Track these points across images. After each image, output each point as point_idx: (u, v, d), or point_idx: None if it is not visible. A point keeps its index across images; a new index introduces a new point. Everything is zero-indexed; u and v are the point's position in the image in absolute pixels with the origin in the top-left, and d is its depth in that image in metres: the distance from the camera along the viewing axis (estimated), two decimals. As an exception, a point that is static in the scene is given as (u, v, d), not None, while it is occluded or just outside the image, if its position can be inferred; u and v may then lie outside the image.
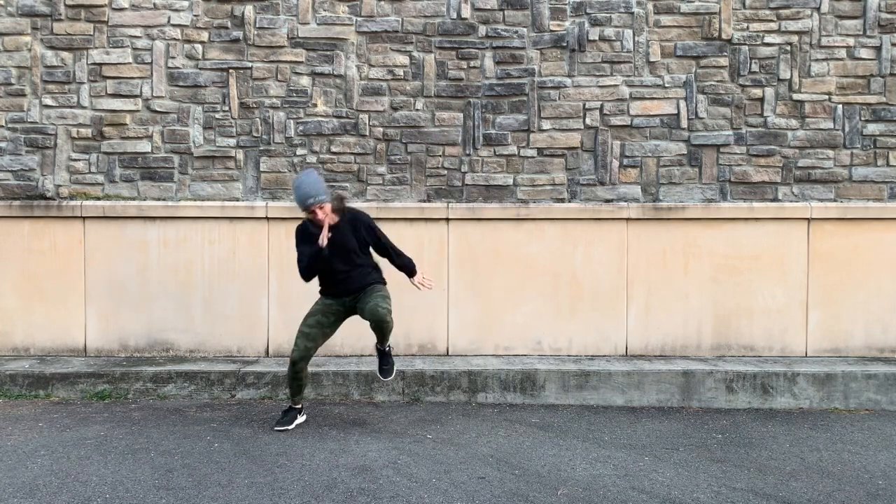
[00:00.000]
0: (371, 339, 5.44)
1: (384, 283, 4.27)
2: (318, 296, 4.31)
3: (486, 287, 5.53)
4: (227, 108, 5.62)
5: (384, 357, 4.31)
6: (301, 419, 4.30)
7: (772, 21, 5.63)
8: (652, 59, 5.64)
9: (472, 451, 3.87)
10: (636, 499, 3.21)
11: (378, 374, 4.33)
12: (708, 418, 4.66)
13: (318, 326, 4.20)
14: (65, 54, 5.58)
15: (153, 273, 5.51)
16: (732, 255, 5.56)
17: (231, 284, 5.52)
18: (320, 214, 4.03)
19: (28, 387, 4.94)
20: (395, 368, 4.35)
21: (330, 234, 4.03)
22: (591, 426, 4.41)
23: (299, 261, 4.17)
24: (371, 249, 4.26)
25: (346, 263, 4.13)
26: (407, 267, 4.31)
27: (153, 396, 4.96)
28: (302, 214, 4.19)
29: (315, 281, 4.24)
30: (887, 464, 3.75)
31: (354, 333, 5.53)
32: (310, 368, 5.01)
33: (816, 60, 5.64)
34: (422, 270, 4.35)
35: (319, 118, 5.64)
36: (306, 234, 4.17)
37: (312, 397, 4.96)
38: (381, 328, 4.11)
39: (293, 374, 4.19)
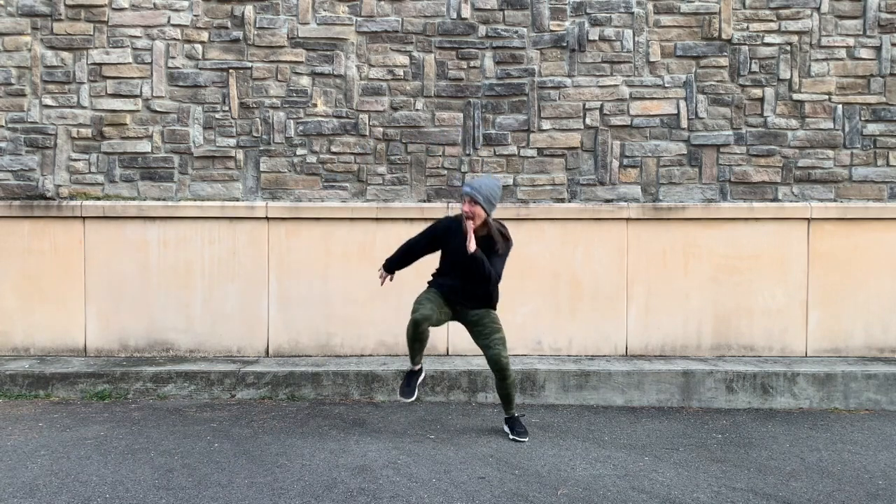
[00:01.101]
0: (370, 338, 5.44)
1: (496, 308, 4.16)
2: (427, 286, 4.18)
3: (486, 287, 5.53)
4: (227, 108, 5.62)
5: (514, 422, 4.14)
6: (422, 377, 4.25)
7: (772, 21, 5.63)
8: (652, 59, 5.64)
9: (472, 451, 3.87)
10: (636, 499, 3.21)
11: (511, 436, 4.11)
12: (708, 418, 4.66)
13: (436, 300, 4.03)
14: (65, 54, 5.58)
15: (153, 273, 5.51)
16: (732, 255, 5.56)
17: (231, 284, 5.52)
18: (466, 207, 3.91)
19: (28, 387, 4.94)
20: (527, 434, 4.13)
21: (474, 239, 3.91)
22: (591, 426, 4.41)
23: (403, 245, 4.20)
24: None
25: (467, 275, 4.00)
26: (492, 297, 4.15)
27: (153, 396, 4.96)
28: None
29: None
30: (887, 464, 3.75)
31: (354, 334, 5.54)
32: (309, 369, 5.03)
33: (816, 60, 5.64)
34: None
35: (319, 118, 5.64)
36: (438, 232, 4.09)
37: (312, 397, 4.96)
38: (504, 379, 4.03)
39: (415, 334, 3.98)
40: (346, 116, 5.64)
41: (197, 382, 4.99)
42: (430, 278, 4.23)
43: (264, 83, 5.62)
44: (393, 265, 4.30)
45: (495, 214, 4.10)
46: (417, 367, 4.24)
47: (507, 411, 4.18)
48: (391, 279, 4.39)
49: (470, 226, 3.92)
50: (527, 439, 4.06)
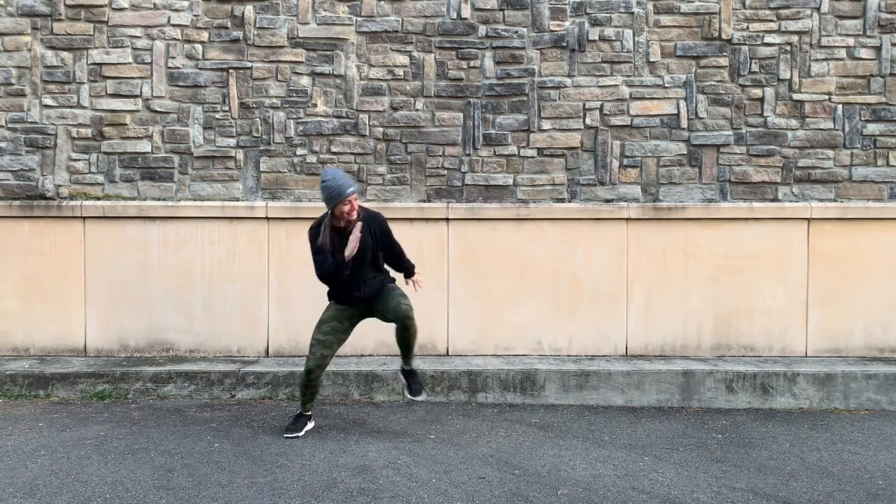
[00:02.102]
0: (370, 337, 5.44)
1: (394, 282, 4.22)
2: (328, 300, 4.22)
3: (485, 287, 5.53)
4: (227, 108, 5.62)
5: (412, 376, 4.25)
6: (311, 425, 4.20)
7: (772, 21, 5.63)
8: (652, 59, 5.64)
9: (472, 451, 3.87)
10: (636, 499, 3.21)
11: (409, 396, 4.24)
12: (708, 418, 4.66)
13: (333, 333, 4.11)
14: (65, 54, 5.58)
15: (153, 273, 5.51)
16: (732, 255, 5.56)
17: (231, 284, 5.52)
18: (353, 206, 3.93)
19: (28, 387, 4.94)
20: (424, 388, 4.28)
21: (361, 235, 3.92)
22: (591, 426, 4.41)
23: (318, 266, 4.02)
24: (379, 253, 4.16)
25: (361, 266, 4.02)
26: (409, 270, 4.31)
27: (153, 396, 4.96)
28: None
29: (319, 284, 4.19)
30: (887, 464, 3.75)
31: (354, 333, 5.52)
32: (310, 368, 5.03)
33: (816, 60, 5.64)
34: (419, 272, 4.35)
35: (319, 118, 5.64)
36: (318, 237, 4.06)
37: (312, 397, 4.96)
38: (406, 328, 4.03)
39: (307, 382, 4.09)
40: (346, 116, 5.64)
41: (197, 382, 4.99)
42: (328, 294, 4.22)
43: (264, 83, 5.62)
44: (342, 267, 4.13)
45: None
46: (308, 413, 4.20)
47: (406, 363, 4.23)
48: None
49: (358, 227, 3.92)
50: (421, 397, 4.21)
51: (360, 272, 4.04)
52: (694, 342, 5.57)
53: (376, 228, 4.08)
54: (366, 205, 5.52)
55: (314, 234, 4.06)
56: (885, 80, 5.63)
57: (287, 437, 4.05)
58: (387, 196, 5.64)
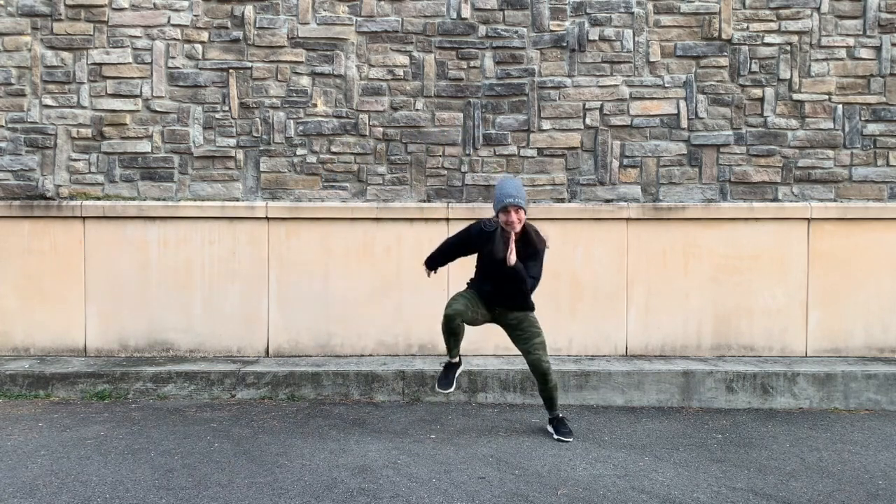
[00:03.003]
0: (370, 337, 5.44)
1: (534, 310, 4.15)
2: (466, 287, 4.18)
3: (486, 287, 5.53)
4: (227, 108, 5.62)
5: (560, 423, 4.17)
6: (460, 369, 4.32)
7: (772, 21, 5.63)
8: (652, 59, 5.64)
9: (472, 451, 3.87)
10: (636, 499, 3.21)
11: (556, 436, 4.12)
12: (708, 418, 4.66)
13: (472, 303, 4.02)
14: (65, 54, 5.58)
15: (153, 273, 5.51)
16: (732, 255, 5.56)
17: (231, 284, 5.52)
18: (514, 217, 3.87)
19: (28, 387, 4.94)
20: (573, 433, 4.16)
21: (513, 247, 3.89)
22: (591, 426, 4.41)
23: (440, 246, 4.20)
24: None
25: (507, 280, 3.97)
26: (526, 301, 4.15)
27: (153, 396, 4.96)
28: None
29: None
30: (887, 464, 3.75)
31: (354, 334, 5.54)
32: (309, 369, 5.03)
33: (816, 60, 5.64)
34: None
35: (319, 118, 5.64)
36: (471, 240, 4.06)
37: (312, 397, 4.96)
38: (546, 383, 4.07)
39: (449, 328, 4.01)
40: (346, 116, 5.64)
41: (197, 382, 4.99)
42: (468, 283, 4.22)
43: (264, 83, 5.62)
44: (433, 263, 4.28)
45: None
46: (455, 360, 4.26)
47: (551, 412, 4.21)
48: (435, 272, 4.38)
49: (513, 237, 3.90)
50: (572, 439, 4.09)
51: (496, 277, 4.00)
52: (694, 342, 5.57)
53: (531, 249, 3.99)
54: (365, 205, 5.55)
55: (470, 229, 4.10)
56: (885, 80, 5.63)
57: (441, 391, 4.25)
58: (387, 196, 5.64)
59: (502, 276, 3.98)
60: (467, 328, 4.14)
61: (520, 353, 4.21)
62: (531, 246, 3.99)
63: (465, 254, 4.21)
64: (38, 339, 5.52)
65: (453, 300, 4.03)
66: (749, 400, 4.95)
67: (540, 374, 4.09)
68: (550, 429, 4.20)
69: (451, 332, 4.07)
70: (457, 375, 4.31)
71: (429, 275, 4.38)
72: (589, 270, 5.57)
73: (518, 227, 3.92)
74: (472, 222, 4.18)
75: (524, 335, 4.11)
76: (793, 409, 4.92)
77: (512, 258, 3.88)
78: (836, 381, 4.96)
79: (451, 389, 4.27)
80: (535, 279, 4.05)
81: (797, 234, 5.57)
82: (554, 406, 4.20)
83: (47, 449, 3.82)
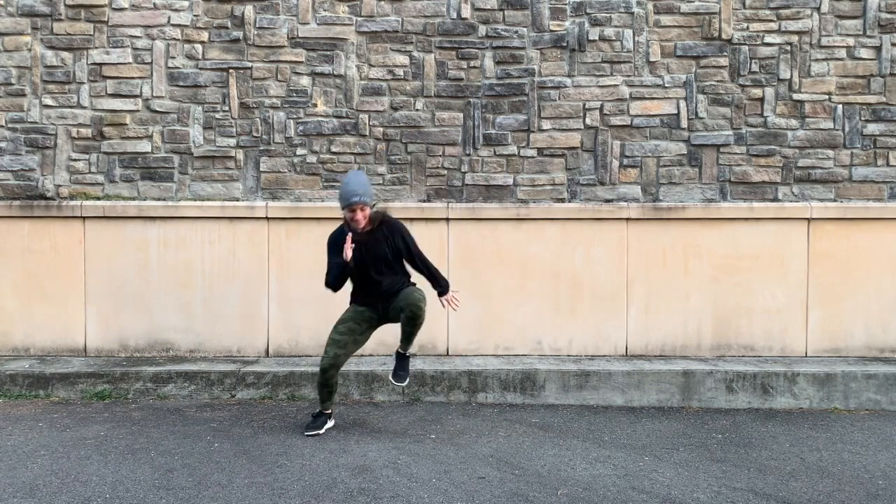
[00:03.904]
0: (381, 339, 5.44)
1: (416, 286, 4.21)
2: (348, 304, 4.28)
3: (486, 287, 5.53)
4: (227, 108, 5.62)
5: (402, 361, 4.26)
6: (330, 423, 4.23)
7: (772, 21, 5.63)
8: (652, 59, 5.64)
9: (472, 451, 3.87)
10: (636, 499, 3.21)
11: (391, 379, 4.25)
12: (708, 418, 4.66)
13: (350, 333, 4.14)
14: (65, 54, 5.58)
15: (153, 273, 5.51)
16: (732, 254, 5.56)
17: (231, 284, 5.52)
18: (360, 216, 3.98)
19: (28, 387, 4.94)
20: (409, 377, 4.34)
21: (353, 246, 3.98)
22: (591, 426, 4.41)
23: (328, 271, 4.16)
24: (404, 262, 4.21)
25: (378, 273, 4.09)
26: (439, 282, 4.22)
27: (153, 396, 4.96)
28: (333, 214, 4.15)
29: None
30: (887, 464, 3.75)
31: (354, 333, 5.53)
32: (309, 369, 5.03)
33: (816, 60, 5.64)
34: (452, 289, 4.27)
35: (319, 118, 5.64)
36: (338, 243, 4.09)
37: (312, 397, 4.96)
38: (415, 316, 4.04)
39: (323, 381, 4.12)
40: (346, 116, 5.64)
41: (197, 382, 4.99)
42: (350, 299, 4.29)
43: (264, 83, 5.62)
44: (340, 286, 4.22)
45: None
46: (328, 411, 4.23)
47: (405, 348, 4.23)
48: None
49: (349, 240, 3.96)
50: (403, 384, 4.24)
51: (374, 276, 4.09)
52: (694, 342, 5.57)
53: (396, 235, 4.11)
54: (366, 205, 5.54)
55: (331, 238, 4.16)
56: (885, 80, 5.63)
57: (308, 435, 4.08)
58: (387, 196, 5.63)
59: (375, 269, 4.07)
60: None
61: (401, 311, 4.11)
62: (393, 236, 4.09)
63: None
64: (38, 339, 5.52)
65: (329, 343, 4.11)
66: (749, 400, 4.95)
67: (410, 304, 4.01)
68: (395, 364, 4.25)
69: (325, 385, 4.14)
70: (326, 427, 4.19)
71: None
72: (589, 270, 5.57)
73: (363, 224, 4.00)
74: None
75: (400, 295, 4.08)
76: (793, 409, 4.92)
77: (348, 254, 3.94)
78: (836, 381, 4.96)
79: (321, 431, 4.13)
80: (428, 265, 4.18)
81: (797, 234, 5.57)
82: (409, 343, 4.21)
83: (47, 449, 3.82)
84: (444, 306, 4.26)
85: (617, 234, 5.57)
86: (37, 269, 5.50)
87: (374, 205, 4.11)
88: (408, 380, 4.31)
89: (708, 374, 4.98)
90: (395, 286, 4.14)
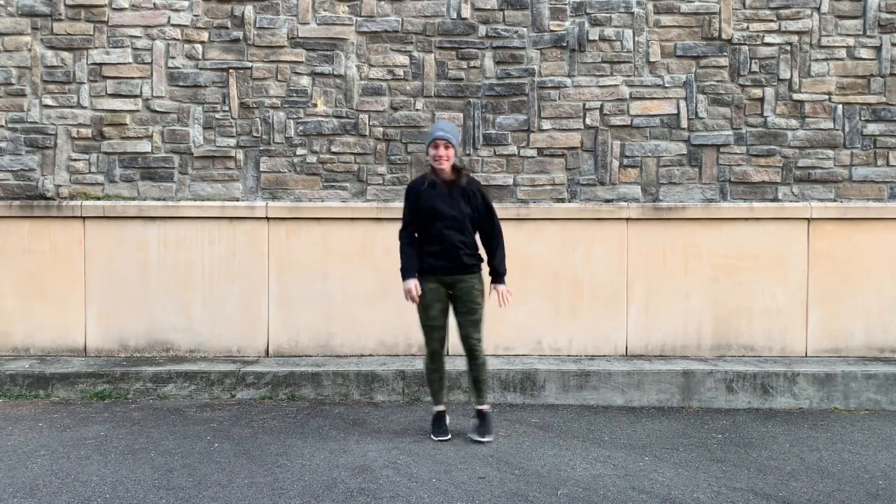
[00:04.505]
0: (370, 338, 5.43)
1: (481, 272, 4.06)
2: (420, 280, 3.99)
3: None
4: (227, 108, 5.62)
5: (483, 418, 4.05)
6: (449, 419, 4.14)
7: (772, 21, 5.63)
8: (652, 59, 5.64)
9: (472, 451, 3.87)
10: (636, 499, 3.21)
11: (473, 434, 4.00)
12: (708, 418, 4.66)
13: (442, 314, 4.01)
14: (65, 54, 5.58)
15: (153, 273, 5.51)
16: (732, 254, 5.56)
17: (231, 284, 5.52)
18: (443, 152, 3.89)
19: (28, 387, 4.94)
20: (491, 434, 4.03)
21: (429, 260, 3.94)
22: (591, 426, 4.41)
23: (402, 230, 4.06)
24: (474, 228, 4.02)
25: (452, 229, 3.92)
26: (498, 268, 4.06)
27: (153, 396, 4.96)
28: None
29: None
30: (887, 464, 3.75)
31: (354, 334, 5.54)
32: (309, 369, 5.03)
33: (816, 60, 5.64)
34: (508, 287, 4.11)
35: (319, 118, 5.64)
36: (417, 192, 3.99)
37: (312, 397, 4.96)
38: (475, 358, 4.02)
39: (433, 367, 4.04)
40: (346, 116, 5.64)
41: (197, 382, 4.99)
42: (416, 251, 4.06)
43: (264, 83, 5.62)
44: (414, 268, 4.00)
45: None
46: (443, 408, 4.15)
47: (479, 400, 4.10)
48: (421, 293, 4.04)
49: (448, 164, 3.94)
50: (488, 439, 3.97)
51: (447, 233, 3.94)
52: (694, 342, 5.57)
53: (478, 197, 3.99)
54: (365, 205, 5.54)
55: (409, 191, 4.08)
56: (885, 80, 5.63)
57: (439, 440, 3.99)
58: (387, 196, 5.63)
59: (447, 229, 3.93)
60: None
61: (458, 329, 4.09)
62: (475, 194, 4.01)
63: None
64: (38, 339, 5.52)
65: (427, 330, 4.02)
66: (749, 400, 4.95)
67: (468, 349, 4.05)
68: (473, 421, 4.09)
69: (437, 371, 4.08)
70: (447, 422, 4.12)
71: (416, 296, 3.98)
72: (589, 270, 5.57)
73: (446, 164, 3.93)
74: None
75: (464, 308, 4.02)
76: (793, 409, 4.92)
77: (446, 167, 3.91)
78: (836, 381, 4.96)
79: (449, 436, 4.04)
80: (501, 239, 4.07)
81: (797, 234, 5.57)
82: (482, 393, 4.07)
83: (47, 449, 3.82)
84: (499, 300, 4.08)
85: (617, 234, 5.57)
86: (37, 269, 5.50)
87: (458, 156, 4.03)
88: (490, 436, 4.00)
89: (708, 374, 4.98)
90: (465, 259, 3.97)
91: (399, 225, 4.16)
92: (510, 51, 5.64)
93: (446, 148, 3.92)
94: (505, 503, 3.14)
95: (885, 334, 5.59)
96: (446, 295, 4.05)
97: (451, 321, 4.14)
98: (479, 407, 4.10)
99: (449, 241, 3.94)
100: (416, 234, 4.06)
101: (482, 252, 4.12)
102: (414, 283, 3.96)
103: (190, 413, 4.58)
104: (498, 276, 4.09)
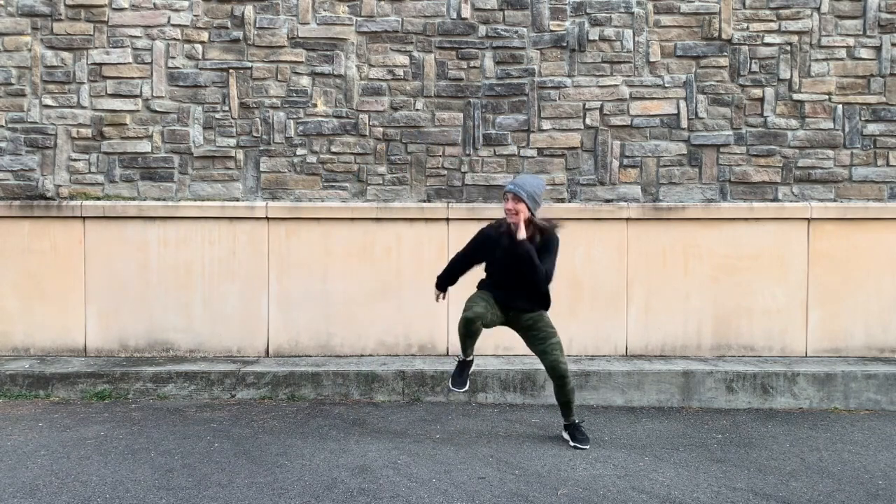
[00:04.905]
0: (370, 337, 5.43)
1: (548, 308, 4.06)
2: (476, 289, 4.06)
3: (486, 287, 5.52)
4: (227, 108, 5.62)
5: (576, 429, 4.04)
6: (473, 367, 4.22)
7: (772, 21, 5.63)
8: (652, 59, 5.64)
9: (472, 451, 3.87)
10: (636, 499, 3.21)
11: (572, 443, 3.99)
12: (708, 418, 4.66)
13: (490, 307, 3.92)
14: (65, 54, 5.58)
15: (153, 273, 5.51)
16: (732, 254, 5.56)
17: (231, 284, 5.52)
18: (510, 205, 3.82)
19: (28, 387, 4.94)
20: (588, 441, 4.01)
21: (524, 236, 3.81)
22: (591, 426, 4.40)
23: (455, 256, 4.16)
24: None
25: (517, 282, 3.90)
26: (542, 301, 4.02)
27: (153, 396, 4.96)
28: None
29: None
30: (887, 464, 3.75)
31: (354, 334, 5.54)
32: (309, 369, 5.03)
33: (816, 60, 5.64)
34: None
35: (319, 118, 5.64)
36: (485, 239, 3.99)
37: (312, 397, 4.96)
38: (563, 386, 3.96)
39: (466, 331, 3.91)
40: (346, 116, 5.64)
41: (197, 382, 4.99)
42: (479, 285, 4.11)
43: (264, 83, 5.62)
44: (443, 282, 4.25)
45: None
46: (470, 359, 4.16)
47: (567, 418, 4.08)
48: (444, 297, 4.35)
49: (522, 221, 3.81)
50: (588, 446, 3.95)
51: (509, 279, 3.92)
52: (694, 342, 5.57)
53: (540, 242, 3.92)
54: (365, 205, 5.54)
55: (481, 232, 4.06)
56: (885, 80, 5.63)
57: (455, 390, 4.12)
58: (387, 196, 5.64)
59: (513, 273, 3.89)
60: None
61: (533, 353, 4.11)
62: (540, 238, 3.91)
63: (479, 261, 4.10)
64: (38, 339, 5.52)
65: (472, 302, 3.92)
66: (749, 400, 4.95)
67: (558, 377, 3.96)
68: (566, 435, 4.06)
69: (469, 335, 3.98)
70: (469, 373, 4.19)
71: (438, 298, 4.32)
72: (589, 270, 5.57)
73: (516, 218, 3.83)
74: (477, 230, 4.12)
75: (540, 335, 4.00)
76: (793, 409, 4.92)
77: (521, 233, 3.78)
78: (836, 381, 4.96)
79: (466, 388, 4.16)
80: (549, 273, 3.92)
81: (797, 234, 5.57)
82: (570, 412, 4.06)
83: (47, 449, 3.82)
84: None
85: (617, 235, 5.57)
86: (37, 269, 5.50)
87: (533, 209, 3.86)
88: (588, 444, 3.98)
89: (708, 374, 4.98)
90: (532, 300, 3.97)
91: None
92: (510, 51, 5.64)
93: (514, 202, 3.82)
94: (505, 503, 3.14)
95: (885, 334, 5.59)
96: (499, 316, 4.00)
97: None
98: (568, 422, 4.09)
99: (511, 291, 3.96)
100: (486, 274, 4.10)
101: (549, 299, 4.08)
102: (437, 295, 4.14)
103: (190, 413, 4.58)
104: (539, 303, 4.06)
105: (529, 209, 3.83)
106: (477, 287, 4.11)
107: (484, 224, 5.50)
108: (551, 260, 3.93)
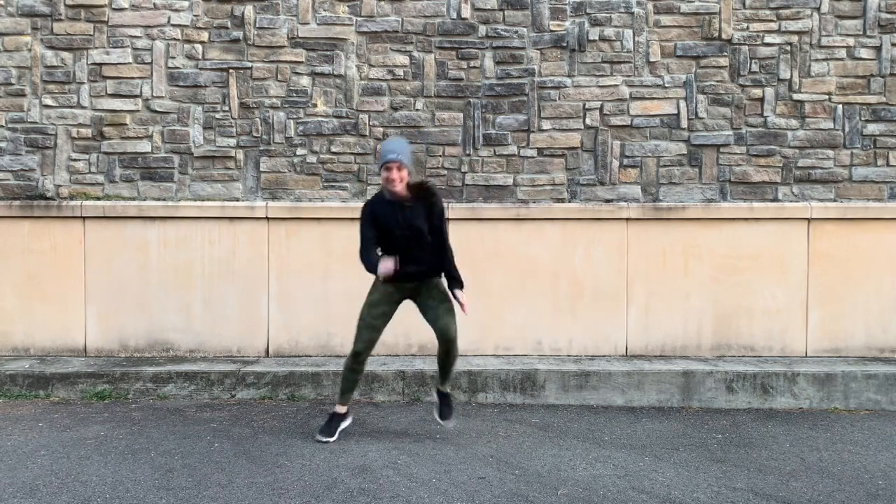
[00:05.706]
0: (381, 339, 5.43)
1: (441, 274, 4.03)
2: (373, 282, 4.04)
3: (486, 287, 5.52)
4: (227, 108, 5.62)
5: (444, 398, 4.14)
6: (347, 423, 4.07)
7: (772, 21, 5.63)
8: (652, 59, 5.64)
9: (472, 451, 3.87)
10: (636, 499, 3.21)
11: (437, 418, 4.12)
12: (708, 418, 4.66)
13: (383, 318, 4.01)
14: (65, 54, 5.58)
15: (153, 273, 5.51)
16: (732, 254, 5.56)
17: (231, 284, 5.52)
18: (395, 174, 3.80)
19: (28, 387, 4.94)
20: (454, 413, 4.15)
21: (393, 260, 3.81)
22: (591, 426, 4.41)
23: (362, 246, 3.97)
24: None
25: (413, 246, 3.90)
26: (456, 278, 4.02)
27: (153, 396, 4.96)
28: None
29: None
30: (887, 464, 3.75)
31: (352, 334, 5.53)
32: (309, 369, 5.03)
33: (816, 60, 5.64)
34: (465, 295, 4.04)
35: (319, 118, 5.64)
36: (373, 215, 3.92)
37: (312, 397, 4.96)
38: (448, 353, 3.98)
39: (353, 366, 3.98)
40: (346, 116, 5.64)
41: (197, 382, 4.99)
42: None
43: (264, 83, 5.62)
44: (375, 259, 3.96)
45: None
46: (345, 410, 4.08)
47: (443, 384, 4.14)
48: (396, 262, 3.91)
49: (403, 187, 3.85)
50: (448, 423, 4.09)
51: (411, 251, 3.90)
52: (694, 342, 5.57)
53: (435, 210, 3.93)
54: (366, 205, 5.54)
55: (366, 208, 4.00)
56: (885, 80, 5.63)
57: (321, 440, 3.94)
58: (387, 196, 5.63)
59: (407, 243, 3.89)
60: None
61: (431, 324, 4.02)
62: (433, 204, 3.93)
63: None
64: (38, 339, 5.52)
65: (363, 328, 3.98)
66: (749, 400, 4.95)
67: (448, 340, 3.94)
68: (436, 399, 4.16)
69: (354, 371, 4.01)
70: (341, 428, 4.03)
71: (396, 266, 3.89)
72: (589, 270, 5.57)
73: (399, 186, 3.84)
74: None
75: (435, 300, 3.98)
76: (793, 409, 4.93)
77: (389, 266, 3.78)
78: (836, 381, 4.96)
79: (334, 438, 3.96)
80: (449, 253, 3.99)
81: (797, 234, 5.57)
82: (447, 378, 4.14)
83: (47, 449, 3.82)
84: (462, 311, 3.99)
85: (617, 235, 5.57)
86: (37, 269, 5.50)
87: (411, 172, 3.92)
88: (454, 419, 4.13)
89: (708, 374, 4.98)
90: (427, 268, 3.97)
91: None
92: (510, 51, 5.64)
93: (399, 170, 3.84)
94: (505, 503, 3.14)
95: (885, 334, 5.59)
96: (398, 302, 4.05)
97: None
98: (443, 388, 4.16)
99: (408, 257, 3.91)
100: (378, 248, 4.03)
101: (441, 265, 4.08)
102: (393, 259, 3.87)
103: (190, 413, 4.58)
104: (455, 281, 4.03)
105: (409, 173, 3.92)
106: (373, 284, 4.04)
107: (484, 224, 5.54)
108: (446, 228, 4.02)
